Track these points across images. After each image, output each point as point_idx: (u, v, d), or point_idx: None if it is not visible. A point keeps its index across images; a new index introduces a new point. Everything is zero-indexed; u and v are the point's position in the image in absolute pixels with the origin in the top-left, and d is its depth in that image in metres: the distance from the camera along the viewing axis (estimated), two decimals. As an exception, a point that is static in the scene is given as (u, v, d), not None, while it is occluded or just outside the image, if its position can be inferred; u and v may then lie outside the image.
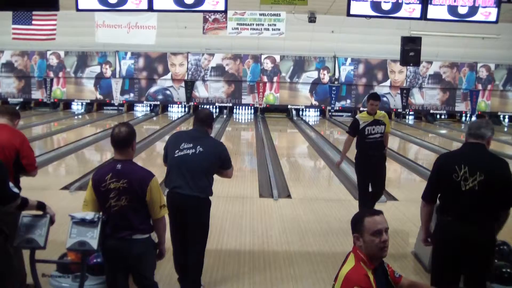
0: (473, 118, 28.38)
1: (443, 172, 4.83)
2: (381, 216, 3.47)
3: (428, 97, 27.98)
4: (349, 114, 28.47)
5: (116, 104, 27.80)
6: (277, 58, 27.53)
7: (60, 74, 27.63)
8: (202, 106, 26.84)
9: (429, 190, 4.99)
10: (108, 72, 27.58)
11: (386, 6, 8.34)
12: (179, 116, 27.19)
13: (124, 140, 4.54)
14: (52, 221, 4.68)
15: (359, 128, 8.54)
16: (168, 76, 27.60)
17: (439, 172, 4.89)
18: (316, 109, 28.52)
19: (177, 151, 5.67)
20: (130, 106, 28.68)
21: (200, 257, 5.90)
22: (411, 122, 28.12)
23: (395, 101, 27.56)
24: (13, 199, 4.51)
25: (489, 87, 28.00)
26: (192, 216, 5.67)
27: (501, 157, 4.93)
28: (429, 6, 8.25)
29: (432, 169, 5.04)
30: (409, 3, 8.21)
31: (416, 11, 8.34)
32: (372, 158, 8.47)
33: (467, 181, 4.61)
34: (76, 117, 26.36)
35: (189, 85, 27.21)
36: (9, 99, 27.65)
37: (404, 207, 9.56)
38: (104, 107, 28.66)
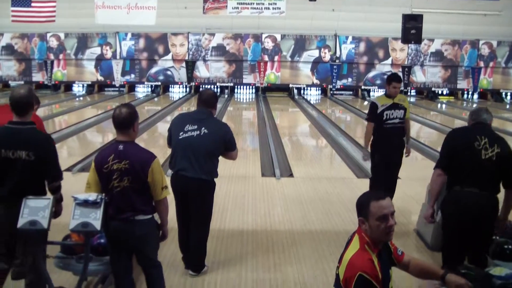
0: (475, 96, 28.35)
1: (461, 141, 5.08)
2: (387, 200, 3.39)
3: (429, 74, 27.84)
4: (351, 92, 28.40)
5: (117, 85, 27.73)
6: (278, 37, 27.39)
7: (61, 56, 27.52)
8: (203, 86, 26.76)
9: (446, 158, 5.16)
10: (108, 54, 27.48)
11: (387, -16, 8.31)
12: (181, 96, 27.12)
13: (125, 121, 4.52)
14: (57, 214, 4.74)
15: (377, 112, 7.76)
16: (169, 56, 27.49)
17: (457, 142, 5.12)
18: (317, 88, 28.43)
19: (182, 133, 5.67)
20: (131, 87, 28.60)
21: (204, 238, 5.95)
22: (412, 100, 28.01)
23: (397, 79, 27.38)
24: (60, 178, 4.85)
25: (491, 64, 27.80)
26: (197, 198, 5.71)
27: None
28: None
29: (445, 141, 5.23)
30: (411, -20, 8.17)
31: (418, -12, 8.29)
32: (392, 144, 7.78)
33: (487, 150, 4.89)
34: (77, 99, 26.33)
35: (190, 65, 27.11)
36: (10, 82, 27.60)
37: (406, 185, 9.56)
38: (105, 89, 28.57)
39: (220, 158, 5.94)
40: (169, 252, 6.25)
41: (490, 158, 4.89)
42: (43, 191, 4.78)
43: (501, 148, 4.94)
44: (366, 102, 25.59)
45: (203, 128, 5.66)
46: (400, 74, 26.56)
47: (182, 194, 5.67)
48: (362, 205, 3.44)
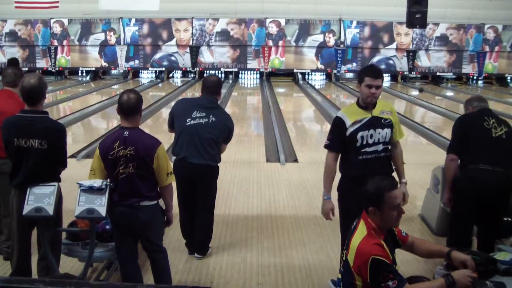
0: (480, 81, 28.20)
1: (471, 123, 5.24)
2: (398, 189, 3.49)
3: (434, 59, 27.65)
4: (358, 81, 28.14)
5: (121, 71, 27.70)
6: (282, 22, 27.22)
7: (64, 42, 27.43)
8: (208, 71, 26.70)
9: (457, 143, 5.28)
10: (112, 39, 27.38)
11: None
12: (185, 82, 27.08)
13: (133, 107, 4.54)
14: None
15: (346, 134, 4.83)
16: (173, 42, 27.37)
17: (467, 124, 5.27)
18: (322, 73, 28.33)
19: (189, 119, 5.71)
20: (136, 73, 28.56)
21: (211, 222, 6.04)
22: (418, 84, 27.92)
23: (401, 64, 27.33)
24: (63, 166, 4.96)
25: (496, 48, 27.59)
26: (203, 183, 5.78)
27: None
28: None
29: (455, 126, 5.38)
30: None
31: (422, -28, 8.25)
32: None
33: (497, 129, 5.06)
34: (81, 85, 26.29)
35: (194, 51, 27.06)
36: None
37: (411, 170, 9.47)
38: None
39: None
40: (174, 237, 6.26)
41: (500, 136, 5.04)
42: (57, 178, 4.82)
43: (509, 127, 5.13)
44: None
45: (211, 116, 5.73)
46: (405, 58, 26.45)
47: (187, 181, 5.71)
48: (375, 195, 3.45)
